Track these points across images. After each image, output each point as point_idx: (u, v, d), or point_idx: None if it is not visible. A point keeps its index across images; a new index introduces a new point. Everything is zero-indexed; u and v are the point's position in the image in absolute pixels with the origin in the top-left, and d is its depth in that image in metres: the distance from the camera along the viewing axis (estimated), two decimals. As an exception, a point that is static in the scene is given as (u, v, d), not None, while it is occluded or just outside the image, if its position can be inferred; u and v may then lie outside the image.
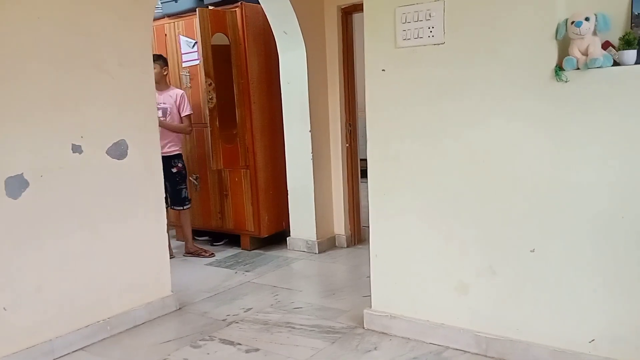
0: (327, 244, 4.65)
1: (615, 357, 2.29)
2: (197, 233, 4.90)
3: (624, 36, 2.19)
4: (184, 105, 4.36)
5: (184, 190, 4.50)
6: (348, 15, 4.47)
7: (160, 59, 4.26)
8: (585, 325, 2.36)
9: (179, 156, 4.46)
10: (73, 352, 2.84)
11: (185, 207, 4.52)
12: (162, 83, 4.29)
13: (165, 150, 4.28)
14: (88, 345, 2.91)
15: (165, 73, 4.34)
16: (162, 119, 4.22)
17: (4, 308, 2.58)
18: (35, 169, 2.68)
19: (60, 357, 2.79)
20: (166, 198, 4.23)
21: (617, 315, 2.29)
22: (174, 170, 4.39)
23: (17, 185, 2.60)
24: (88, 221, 2.93)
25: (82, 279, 2.91)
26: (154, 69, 4.10)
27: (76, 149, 2.85)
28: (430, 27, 2.57)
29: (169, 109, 4.32)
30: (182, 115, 4.37)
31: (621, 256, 2.25)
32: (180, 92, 4.42)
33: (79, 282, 2.89)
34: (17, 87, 2.61)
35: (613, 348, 2.30)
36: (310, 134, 4.42)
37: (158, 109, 4.15)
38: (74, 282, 2.87)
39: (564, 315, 2.41)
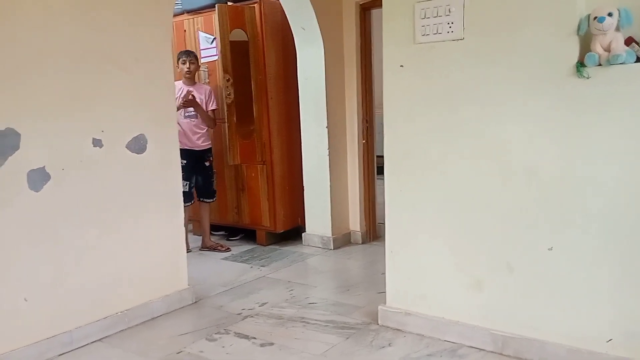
0: (342, 240, 4.65)
1: (631, 356, 2.26)
2: (213, 228, 4.93)
3: (647, 32, 2.15)
4: (212, 100, 4.45)
5: (214, 182, 4.61)
6: (366, 11, 4.45)
7: (193, 55, 4.40)
8: (602, 324, 2.33)
9: (210, 150, 4.56)
10: (91, 342, 2.88)
11: (214, 199, 4.65)
12: (193, 78, 4.42)
13: (199, 144, 4.43)
14: (106, 337, 2.95)
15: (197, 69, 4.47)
16: (192, 113, 4.35)
17: (25, 299, 2.63)
18: (56, 163, 2.72)
19: (79, 347, 2.83)
20: (189, 192, 4.32)
21: (635, 313, 2.26)
22: (207, 163, 4.52)
23: (39, 178, 2.65)
24: (107, 214, 2.97)
25: (101, 271, 2.95)
26: (192, 64, 4.29)
27: (97, 143, 2.89)
28: (450, 23, 2.56)
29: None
30: (208, 109, 4.44)
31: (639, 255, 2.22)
32: (208, 87, 4.52)
33: (97, 274, 2.93)
34: (39, 81, 2.65)
35: (630, 347, 2.27)
36: (326, 130, 4.42)
37: None
38: (93, 274, 2.91)
39: (581, 314, 2.38)
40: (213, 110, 4.47)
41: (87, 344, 2.87)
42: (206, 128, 4.47)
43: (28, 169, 2.61)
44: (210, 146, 4.53)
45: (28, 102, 2.61)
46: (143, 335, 3.01)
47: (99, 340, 2.92)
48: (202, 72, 4.72)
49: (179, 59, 4.28)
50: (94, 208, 2.90)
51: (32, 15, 2.62)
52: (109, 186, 2.97)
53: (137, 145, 3.09)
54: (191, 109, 4.33)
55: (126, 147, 3.04)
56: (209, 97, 4.43)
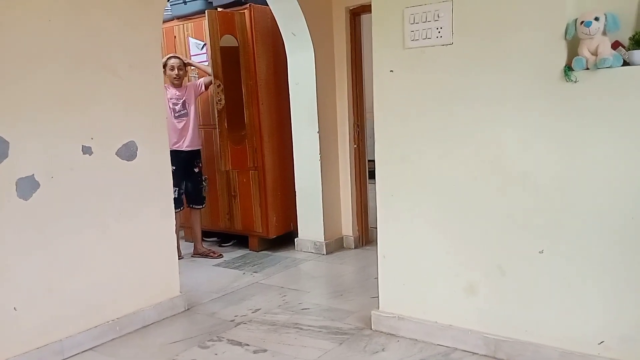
0: (334, 245, 4.65)
1: (624, 359, 2.27)
2: (205, 234, 4.91)
3: (634, 36, 2.17)
4: (198, 82, 4.48)
5: (204, 189, 4.60)
6: (356, 16, 4.47)
7: (182, 61, 4.42)
8: (594, 327, 2.34)
9: (199, 154, 4.54)
10: (83, 352, 2.86)
11: (204, 206, 4.62)
12: (181, 83, 4.44)
13: (188, 143, 4.40)
14: (97, 346, 2.92)
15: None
16: (183, 112, 4.36)
17: (15, 308, 2.60)
18: (46, 170, 2.70)
19: (70, 357, 2.81)
20: (179, 199, 4.30)
21: (627, 316, 2.27)
22: (196, 169, 4.51)
23: (28, 186, 2.63)
24: (98, 222, 2.95)
25: (92, 279, 2.93)
26: (180, 70, 4.33)
27: (86, 150, 2.87)
28: (439, 28, 2.57)
29: (186, 100, 4.38)
30: (202, 89, 4.48)
31: (631, 257, 2.23)
32: (190, 83, 4.57)
33: (88, 283, 2.91)
34: (29, 88, 2.63)
35: (622, 349, 2.28)
36: (318, 135, 4.43)
37: (177, 103, 4.32)
38: (84, 283, 2.89)
39: (573, 317, 2.39)
40: (206, 84, 4.47)
41: (78, 353, 2.84)
42: (196, 129, 4.44)
43: (17, 177, 2.59)
44: (199, 148, 4.52)
45: (17, 109, 2.59)
46: (135, 343, 2.98)
47: (91, 349, 2.89)
48: (192, 77, 4.71)
49: (166, 65, 4.27)
50: (85, 216, 2.88)
51: (24, 21, 2.60)
52: (99, 194, 2.95)
53: (128, 152, 3.07)
54: (182, 109, 4.34)
55: (116, 154, 3.02)
56: (196, 86, 4.47)
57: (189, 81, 4.68)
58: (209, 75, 4.42)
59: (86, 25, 2.86)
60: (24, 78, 2.61)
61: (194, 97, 4.43)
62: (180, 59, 4.40)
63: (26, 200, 2.63)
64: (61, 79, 2.76)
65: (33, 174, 2.65)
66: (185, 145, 4.37)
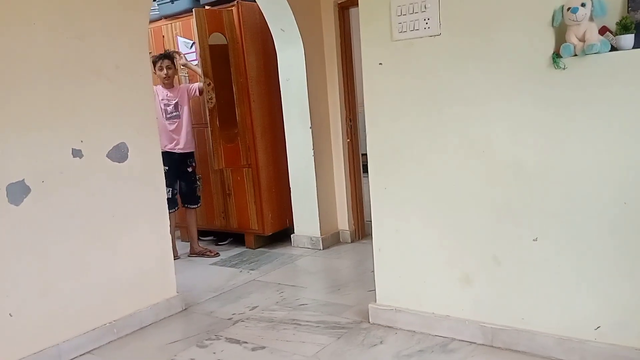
0: (331, 240, 4.65)
1: (620, 344, 2.28)
2: (201, 233, 4.91)
3: (620, 21, 2.17)
4: (192, 88, 4.44)
5: (198, 188, 4.58)
6: (344, 10, 4.45)
7: (170, 60, 4.35)
8: (590, 313, 2.35)
9: (193, 155, 4.52)
10: (80, 355, 2.85)
11: (199, 205, 4.60)
12: (172, 83, 4.41)
13: (181, 146, 4.38)
14: (95, 349, 2.92)
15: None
16: (175, 114, 4.34)
17: (10, 314, 2.59)
18: (36, 175, 2.68)
19: (68, 361, 2.81)
20: (173, 199, 4.29)
21: (622, 301, 2.28)
22: (189, 169, 4.49)
23: (18, 191, 2.61)
24: (91, 225, 2.93)
25: (87, 282, 2.92)
26: (169, 69, 4.27)
27: (76, 153, 2.86)
28: (426, 19, 2.56)
29: (179, 102, 4.36)
30: (195, 93, 4.43)
31: (625, 243, 2.24)
32: (182, 85, 4.53)
33: (83, 286, 2.90)
34: (15, 92, 2.61)
35: (618, 334, 2.29)
36: (310, 130, 4.42)
37: (169, 104, 4.30)
38: (79, 286, 2.88)
39: (568, 303, 2.40)
40: (200, 89, 4.41)
41: (76, 357, 2.84)
42: (190, 132, 4.43)
43: (7, 182, 2.57)
44: (192, 150, 4.50)
45: (4, 113, 2.57)
46: (133, 345, 2.98)
47: (88, 352, 2.89)
48: (182, 77, 4.69)
49: (155, 65, 4.24)
50: (78, 219, 2.87)
51: (9, 25, 2.58)
52: (92, 196, 2.93)
53: (119, 154, 3.06)
54: (174, 111, 4.33)
55: (107, 157, 3.00)
56: (189, 89, 4.43)
57: (179, 82, 4.66)
58: (200, 75, 4.39)
59: (71, 27, 2.83)
60: (10, 82, 2.59)
61: (187, 99, 4.40)
62: (172, 60, 4.33)
63: (17, 205, 2.61)
64: (48, 82, 2.74)
65: (23, 179, 2.63)
66: (178, 148, 4.36)
